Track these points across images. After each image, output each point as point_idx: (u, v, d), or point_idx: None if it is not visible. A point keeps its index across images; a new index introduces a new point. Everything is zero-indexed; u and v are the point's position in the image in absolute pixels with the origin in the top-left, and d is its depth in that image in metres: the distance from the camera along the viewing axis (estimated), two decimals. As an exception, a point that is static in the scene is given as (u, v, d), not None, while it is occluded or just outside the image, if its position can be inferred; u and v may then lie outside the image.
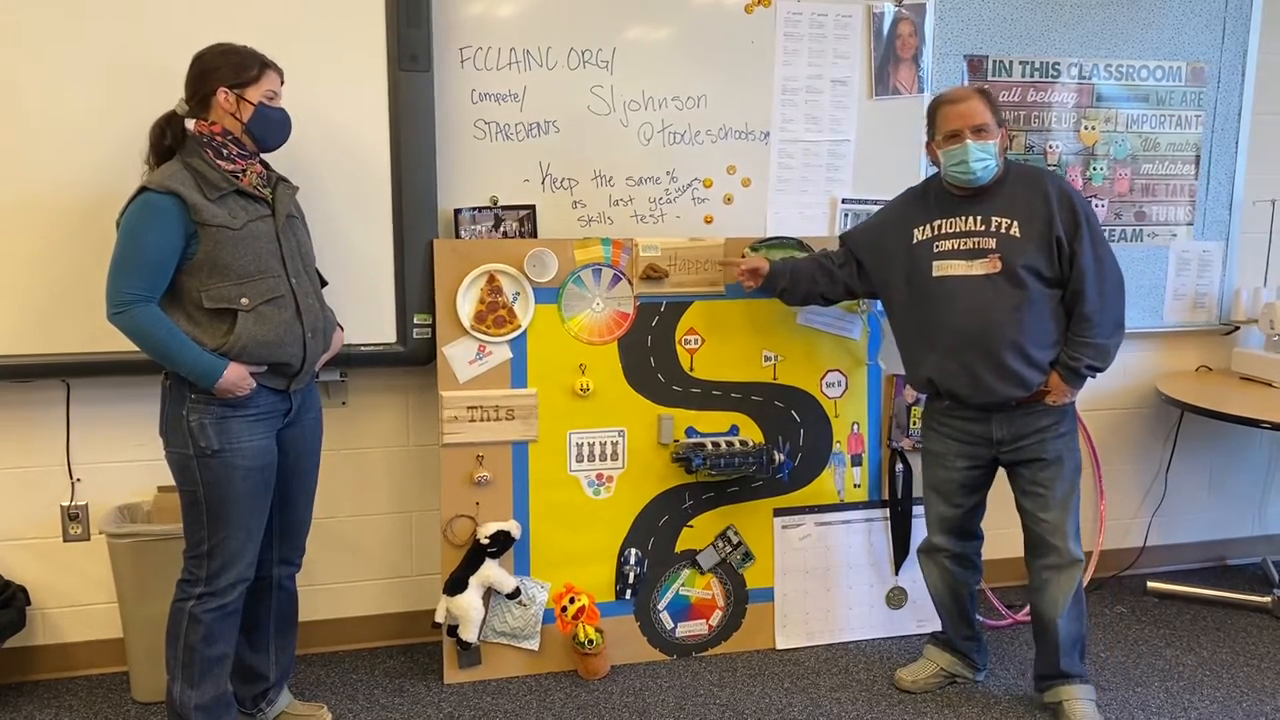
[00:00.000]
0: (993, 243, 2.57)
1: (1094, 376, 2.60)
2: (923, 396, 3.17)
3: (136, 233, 2.18)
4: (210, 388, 2.22)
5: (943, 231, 2.64)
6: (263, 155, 2.38)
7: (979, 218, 2.60)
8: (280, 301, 2.30)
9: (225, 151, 2.26)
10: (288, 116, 2.36)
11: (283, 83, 2.36)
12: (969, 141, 2.51)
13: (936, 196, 2.69)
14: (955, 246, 2.61)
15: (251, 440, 2.31)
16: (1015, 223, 2.56)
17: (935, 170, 2.71)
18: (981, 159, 2.53)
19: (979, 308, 2.57)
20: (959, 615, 2.89)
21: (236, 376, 2.23)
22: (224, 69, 2.25)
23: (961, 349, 2.60)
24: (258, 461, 2.33)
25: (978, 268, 2.58)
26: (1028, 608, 3.34)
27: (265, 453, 2.35)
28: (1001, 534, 3.60)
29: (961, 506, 2.78)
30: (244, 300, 2.24)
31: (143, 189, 2.20)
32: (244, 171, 2.29)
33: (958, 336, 2.60)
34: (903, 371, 3.17)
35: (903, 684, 2.90)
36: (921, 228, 2.67)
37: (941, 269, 2.62)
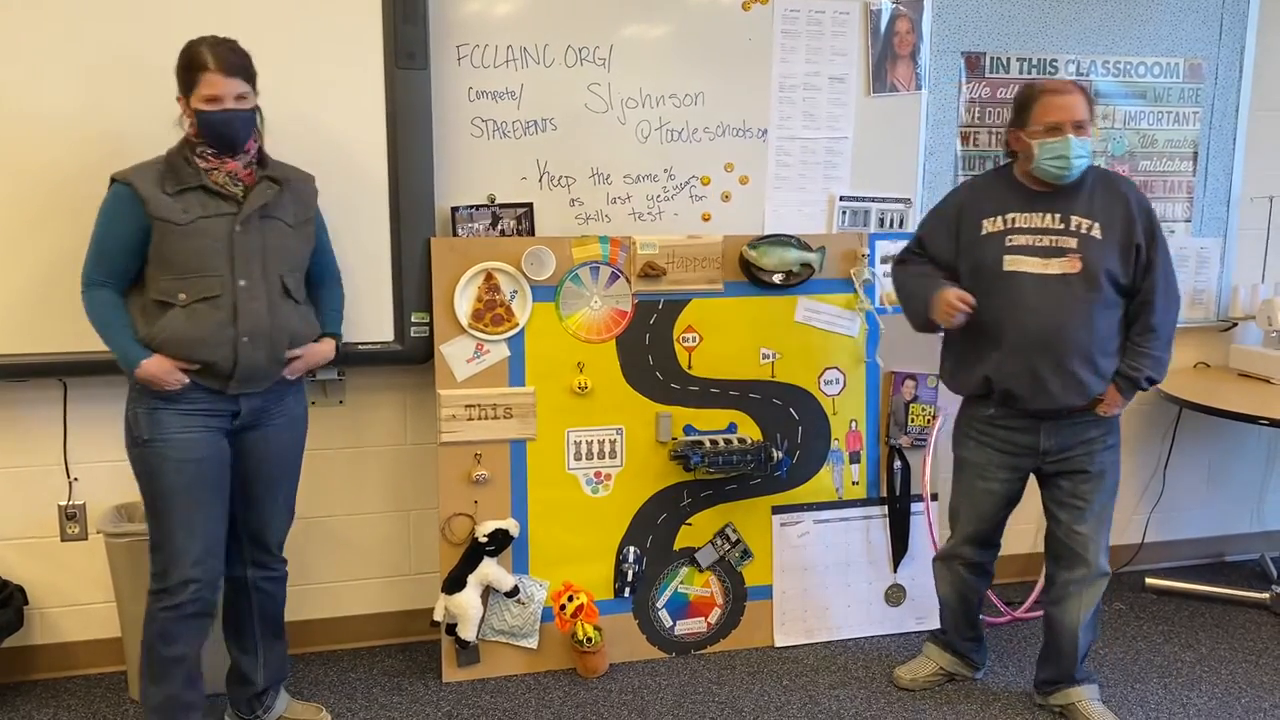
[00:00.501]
0: (1073, 242, 2.48)
1: (1147, 389, 2.55)
2: (929, 397, 3.18)
3: (100, 220, 2.27)
4: (131, 375, 2.25)
5: (1016, 225, 2.53)
6: (262, 153, 2.37)
7: (1057, 215, 2.50)
8: (216, 301, 2.25)
9: (200, 150, 2.27)
10: (231, 116, 2.23)
11: (249, 78, 2.27)
12: (1070, 136, 2.43)
13: (1010, 188, 2.57)
14: (1030, 242, 2.51)
15: (184, 433, 2.28)
16: (1096, 224, 2.48)
17: (1007, 161, 2.63)
18: (1081, 155, 2.45)
19: (1051, 308, 2.47)
20: (965, 619, 2.88)
21: (158, 369, 2.23)
22: (178, 76, 2.26)
23: (1028, 349, 2.49)
24: (190, 455, 2.28)
25: (1054, 266, 2.48)
26: (1026, 605, 3.35)
27: (198, 446, 2.29)
28: (1000, 531, 3.60)
29: (993, 520, 2.72)
30: (181, 295, 2.24)
31: (112, 178, 2.26)
32: (215, 170, 2.28)
33: (1025, 336, 2.49)
34: (900, 369, 3.18)
35: (901, 682, 2.90)
36: (992, 219, 2.56)
37: (1013, 264, 2.51)
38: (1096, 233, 2.49)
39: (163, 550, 2.32)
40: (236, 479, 2.41)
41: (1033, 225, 2.52)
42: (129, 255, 2.26)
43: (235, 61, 2.25)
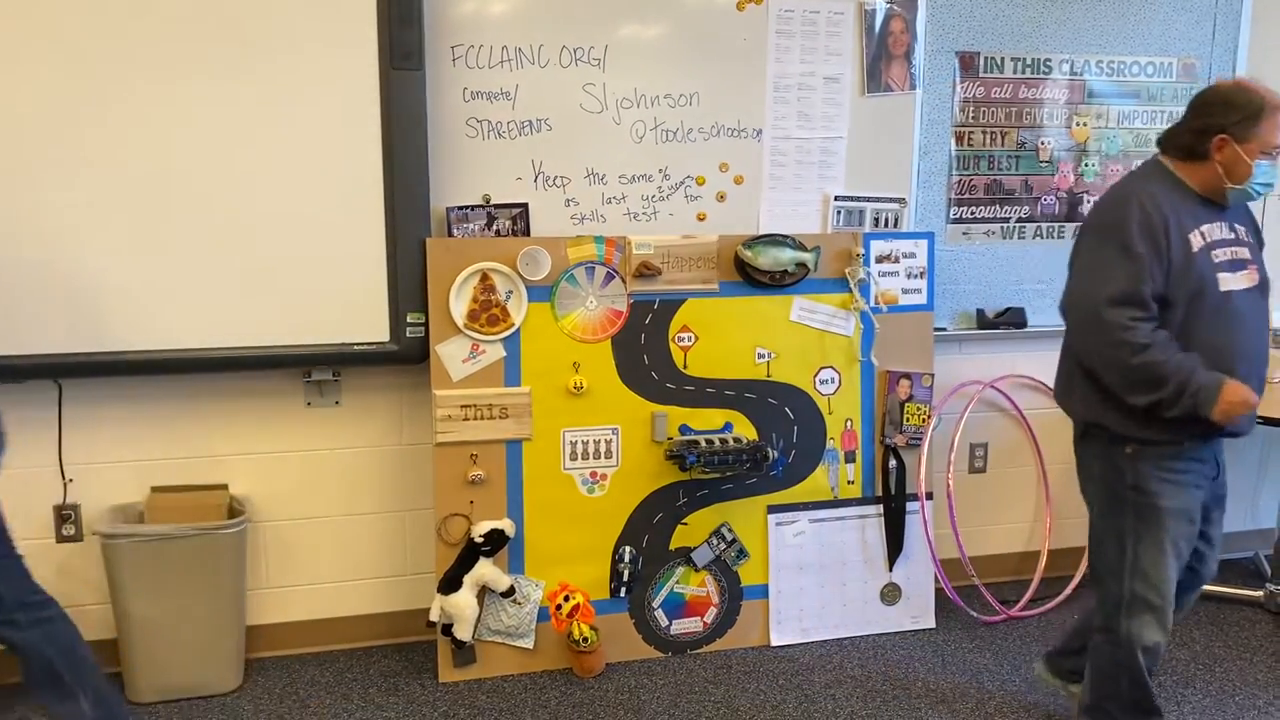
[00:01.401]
0: (1247, 252, 2.27)
1: None
2: (924, 396, 3.18)
3: None
4: None
5: (1210, 239, 2.23)
6: None
7: (1226, 224, 2.26)
8: None
9: None
10: None
11: None
12: None
13: (1186, 194, 2.26)
14: (1225, 256, 2.23)
15: None
16: (1248, 231, 2.32)
17: (1156, 160, 2.32)
18: None
19: (1256, 327, 2.25)
20: (1150, 682, 2.47)
21: None
22: None
23: (1251, 375, 2.21)
24: None
25: (1241, 280, 2.23)
26: (1021, 603, 3.36)
27: None
28: (996, 530, 3.61)
29: None
30: None
31: None
32: None
33: (1250, 361, 2.23)
34: (895, 369, 3.18)
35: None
36: (1194, 234, 2.21)
37: (1224, 283, 2.21)
38: (1252, 239, 2.33)
39: None
40: None
41: (1218, 237, 2.25)
42: None
43: None
